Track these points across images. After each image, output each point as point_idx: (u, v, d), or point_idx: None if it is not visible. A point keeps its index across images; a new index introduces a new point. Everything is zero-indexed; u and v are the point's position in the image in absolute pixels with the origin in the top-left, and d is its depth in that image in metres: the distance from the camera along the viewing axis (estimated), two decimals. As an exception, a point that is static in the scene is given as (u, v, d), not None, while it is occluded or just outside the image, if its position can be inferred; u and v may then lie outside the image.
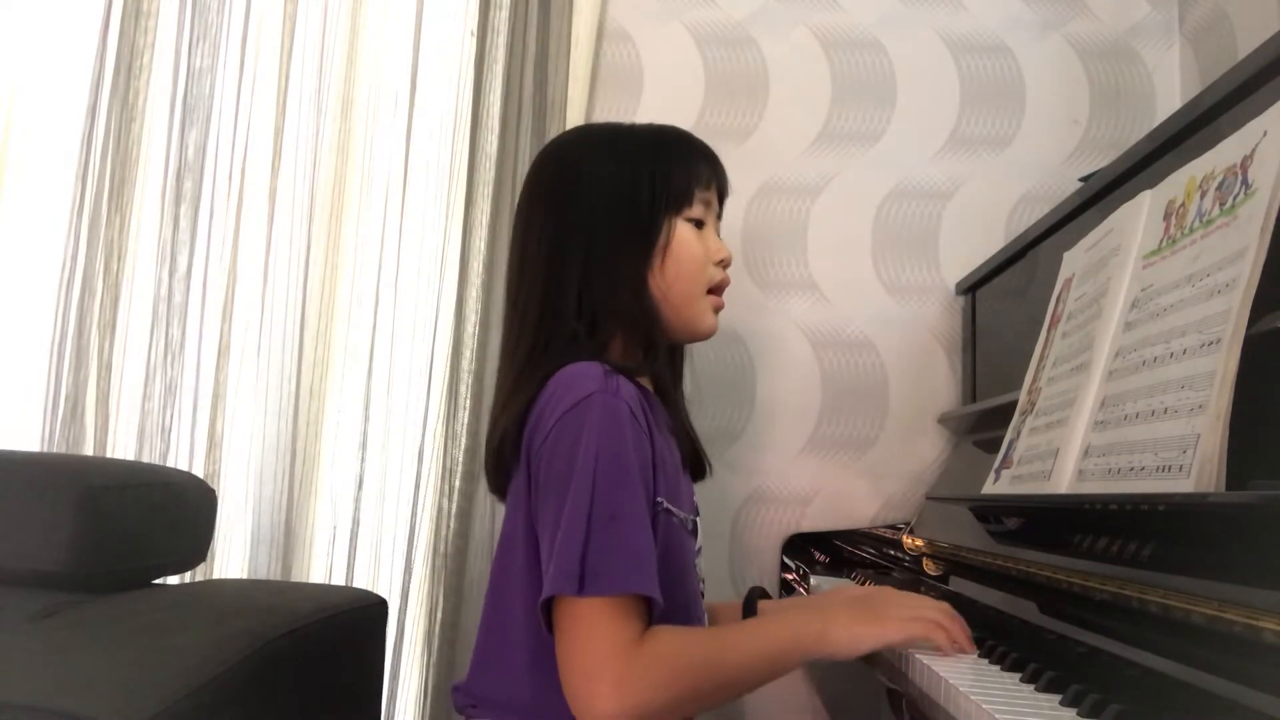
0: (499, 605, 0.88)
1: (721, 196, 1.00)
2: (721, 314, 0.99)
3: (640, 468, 0.80)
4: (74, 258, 1.51)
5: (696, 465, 1.02)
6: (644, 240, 0.91)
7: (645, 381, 0.92)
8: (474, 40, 1.57)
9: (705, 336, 0.98)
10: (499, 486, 0.92)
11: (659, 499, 0.83)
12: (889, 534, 1.44)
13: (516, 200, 1.51)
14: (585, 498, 0.75)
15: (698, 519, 0.97)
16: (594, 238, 0.90)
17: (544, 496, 0.80)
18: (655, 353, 0.92)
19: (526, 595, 0.82)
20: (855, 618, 0.78)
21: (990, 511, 1.05)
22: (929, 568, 1.24)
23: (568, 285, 0.90)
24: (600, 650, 0.73)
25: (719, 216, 1.00)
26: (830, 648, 0.77)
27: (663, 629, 0.77)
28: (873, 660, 0.83)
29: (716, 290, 0.97)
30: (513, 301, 0.95)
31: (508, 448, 0.87)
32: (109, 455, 1.49)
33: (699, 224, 0.95)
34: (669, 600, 0.83)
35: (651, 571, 0.77)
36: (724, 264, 0.97)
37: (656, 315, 0.92)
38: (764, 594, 1.08)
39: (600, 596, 0.74)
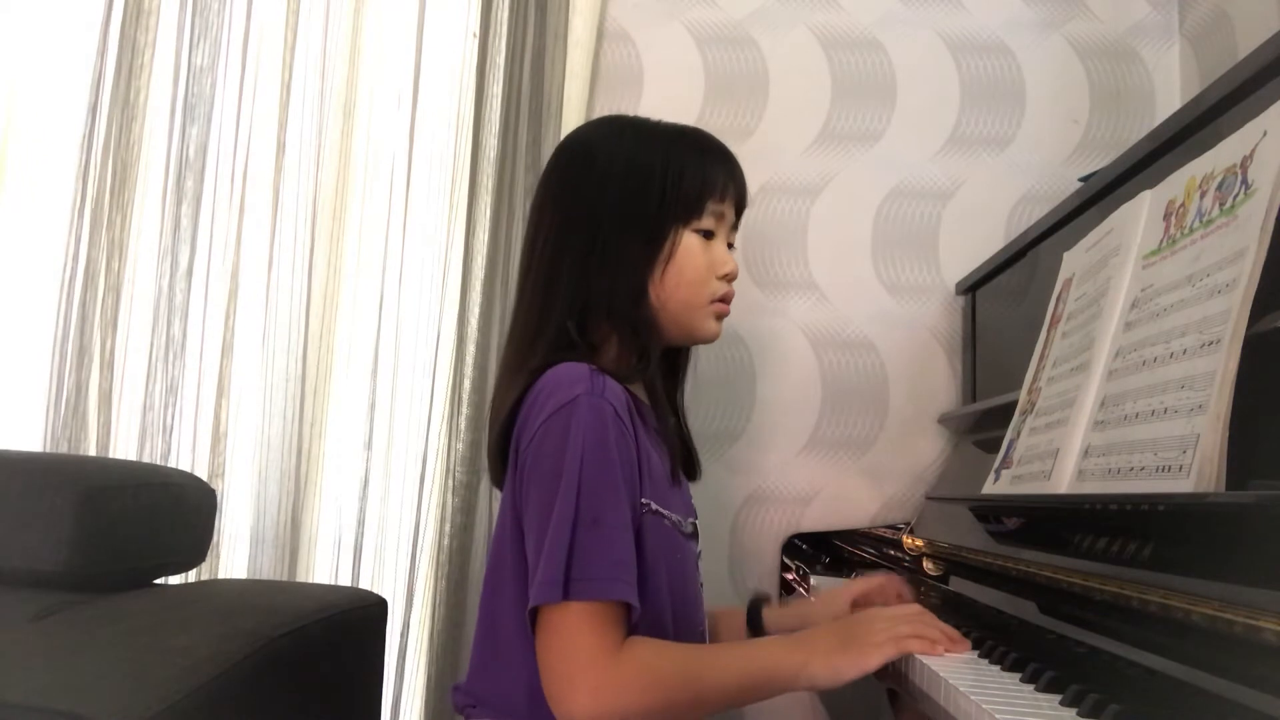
0: (494, 606, 0.88)
1: (739, 208, 0.98)
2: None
3: (625, 470, 0.80)
4: (75, 257, 1.51)
5: (689, 467, 1.01)
6: (648, 247, 0.90)
7: (637, 388, 0.91)
8: (475, 41, 1.57)
9: (706, 342, 0.97)
10: (500, 479, 0.91)
11: (645, 500, 0.83)
12: (889, 534, 1.44)
13: (518, 199, 1.53)
14: (570, 502, 0.75)
15: (696, 522, 0.97)
16: (599, 236, 0.90)
17: (530, 498, 0.80)
18: (649, 358, 0.90)
19: (520, 596, 0.82)
20: (834, 648, 0.78)
21: (990, 511, 1.05)
22: (929, 568, 1.24)
23: (567, 281, 0.89)
24: (579, 655, 0.74)
25: (735, 228, 0.98)
26: (810, 681, 0.77)
27: (643, 639, 0.78)
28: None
29: (720, 301, 0.95)
30: (518, 293, 0.95)
31: (497, 445, 0.87)
32: (111, 454, 1.49)
33: (708, 234, 0.93)
34: (666, 603, 0.83)
35: (631, 578, 0.77)
36: (729, 278, 0.95)
37: (653, 322, 0.91)
38: (766, 599, 1.08)
39: (581, 601, 0.74)
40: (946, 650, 0.77)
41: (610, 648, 0.75)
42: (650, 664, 0.76)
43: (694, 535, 0.94)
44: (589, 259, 0.89)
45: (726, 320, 0.98)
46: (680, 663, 0.78)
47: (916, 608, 0.83)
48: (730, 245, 0.98)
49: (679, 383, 1.03)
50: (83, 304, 1.50)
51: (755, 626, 1.05)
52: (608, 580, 0.75)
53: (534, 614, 0.77)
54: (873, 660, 0.76)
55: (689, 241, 0.91)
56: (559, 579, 0.74)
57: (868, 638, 0.78)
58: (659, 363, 0.94)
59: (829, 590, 1.10)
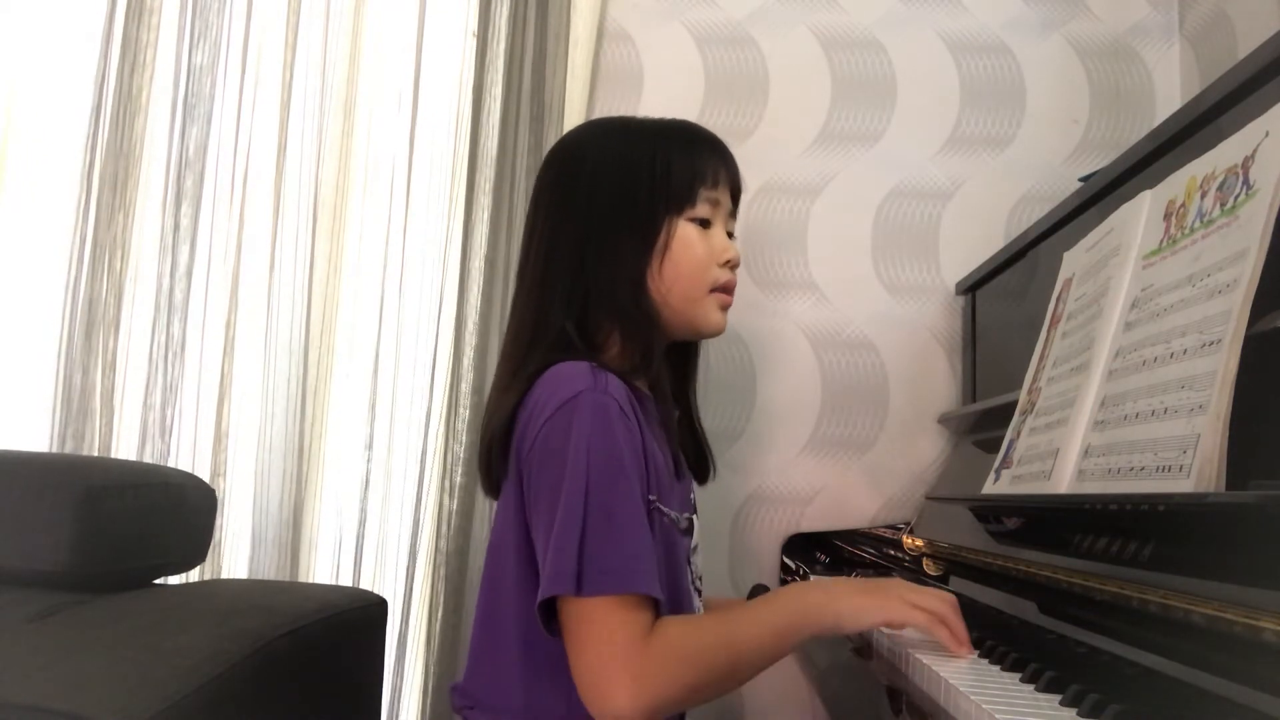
0: (493, 608, 0.87)
1: (734, 193, 0.97)
2: (721, 314, 0.98)
3: (633, 462, 0.79)
4: (80, 258, 1.51)
5: (701, 466, 1.01)
6: (642, 240, 0.89)
7: (641, 384, 0.90)
8: (475, 41, 1.57)
9: (712, 335, 0.96)
10: (491, 487, 0.91)
11: (651, 496, 0.83)
12: (889, 534, 1.44)
13: (518, 200, 1.53)
14: (579, 496, 0.75)
15: (694, 517, 0.97)
16: (592, 233, 0.89)
17: (537, 498, 0.79)
18: (652, 354, 0.89)
19: (520, 598, 0.81)
20: (859, 592, 0.78)
21: (990, 511, 1.05)
22: (929, 568, 1.24)
23: (561, 280, 0.89)
24: (613, 648, 0.73)
25: (733, 214, 0.97)
26: (834, 618, 0.77)
27: (669, 619, 0.77)
28: (872, 658, 0.83)
29: (723, 290, 0.94)
30: (514, 298, 0.94)
31: (496, 449, 0.86)
32: (114, 454, 1.49)
33: (705, 223, 0.92)
34: (664, 599, 0.83)
35: (651, 567, 0.76)
36: (731, 265, 0.94)
37: (655, 317, 0.90)
38: (766, 590, 1.08)
39: (604, 596, 0.73)
40: (964, 650, 0.76)
41: (642, 634, 0.74)
42: (683, 642, 0.76)
43: (689, 530, 0.94)
44: (583, 256, 0.89)
45: (728, 318, 0.98)
46: (711, 632, 0.78)
47: (950, 596, 0.81)
48: (730, 234, 0.97)
49: (689, 379, 1.02)
50: (88, 304, 1.50)
51: None
52: (626, 573, 0.74)
53: (547, 613, 0.76)
54: (899, 614, 0.76)
55: (684, 231, 0.91)
56: (572, 571, 0.73)
57: (895, 592, 0.78)
58: (664, 359, 0.94)
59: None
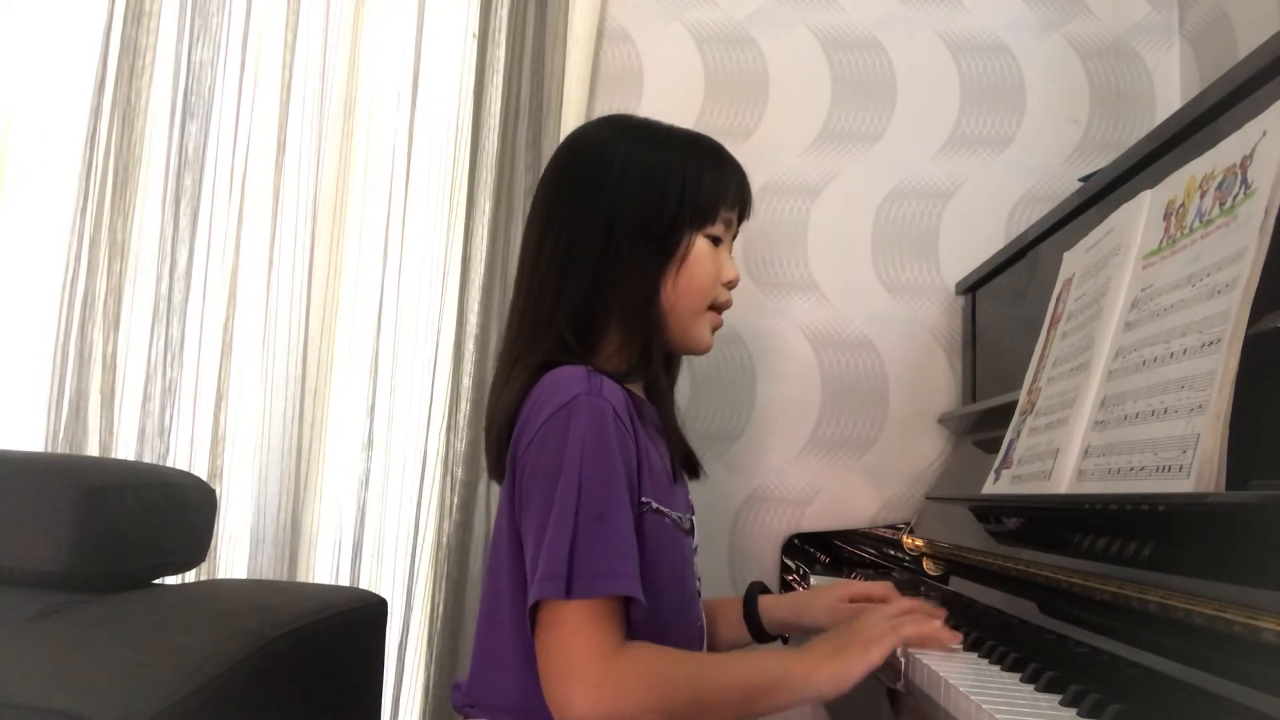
0: (492, 607, 0.87)
1: (742, 218, 0.99)
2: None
3: (625, 468, 0.80)
4: (78, 259, 1.51)
5: (690, 466, 1.02)
6: (663, 249, 0.90)
7: (636, 386, 0.91)
8: (475, 41, 1.58)
9: (700, 352, 0.97)
10: (498, 473, 0.91)
11: (645, 499, 0.83)
12: (889, 534, 1.44)
13: (517, 199, 1.53)
14: (571, 500, 0.75)
15: (693, 518, 0.97)
16: (614, 236, 0.89)
17: (529, 499, 0.80)
18: (651, 355, 0.90)
19: (515, 599, 0.82)
20: (836, 651, 0.78)
21: (990, 511, 1.05)
22: (929, 568, 1.24)
23: (579, 280, 0.89)
24: (580, 653, 0.73)
25: (735, 236, 0.99)
26: (817, 688, 0.77)
27: (645, 643, 0.77)
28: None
29: (718, 309, 0.96)
30: (524, 290, 0.93)
31: (503, 443, 0.87)
32: (112, 455, 1.49)
33: (716, 241, 0.94)
34: (666, 600, 0.83)
35: (635, 572, 0.77)
36: (730, 285, 0.96)
37: (661, 325, 0.91)
38: (764, 589, 1.08)
39: (586, 599, 0.74)
40: (943, 636, 0.78)
41: (612, 645, 0.74)
42: (652, 664, 0.76)
43: (691, 531, 0.95)
44: (603, 259, 0.89)
45: (727, 319, 0.99)
46: (682, 666, 0.78)
47: (909, 601, 0.84)
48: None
49: (671, 386, 1.03)
50: (85, 305, 1.50)
51: (751, 614, 1.05)
52: (611, 575, 0.75)
53: (533, 612, 0.76)
54: (876, 654, 0.76)
55: (701, 246, 0.92)
56: (562, 574, 0.73)
57: (867, 634, 0.78)
58: (660, 363, 0.94)
59: (827, 585, 1.10)
